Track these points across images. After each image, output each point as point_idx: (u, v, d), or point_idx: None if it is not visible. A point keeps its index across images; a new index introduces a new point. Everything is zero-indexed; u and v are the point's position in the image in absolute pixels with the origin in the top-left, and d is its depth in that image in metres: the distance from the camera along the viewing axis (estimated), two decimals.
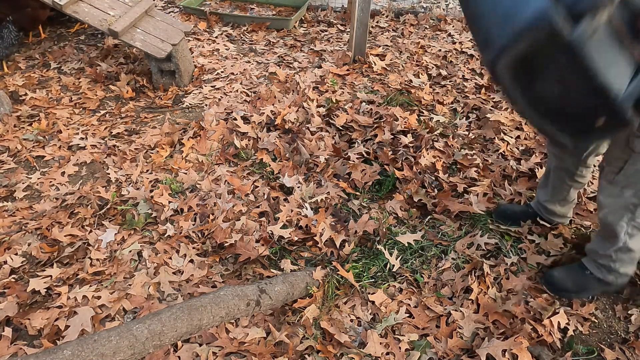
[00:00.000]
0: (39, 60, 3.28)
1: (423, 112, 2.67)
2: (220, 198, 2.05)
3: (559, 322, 1.55)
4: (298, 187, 2.10)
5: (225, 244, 1.83)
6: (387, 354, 1.49)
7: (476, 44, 1.05)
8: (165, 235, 1.91)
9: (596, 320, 1.60)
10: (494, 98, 2.83)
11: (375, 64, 3.12)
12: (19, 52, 3.36)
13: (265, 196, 2.08)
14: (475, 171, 2.19)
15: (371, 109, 2.63)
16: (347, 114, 2.57)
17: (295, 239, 1.88)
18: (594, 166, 1.77)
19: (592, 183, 2.16)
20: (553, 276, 1.65)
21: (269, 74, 3.16)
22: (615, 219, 1.42)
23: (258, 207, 2.04)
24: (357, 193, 2.11)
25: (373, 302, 1.65)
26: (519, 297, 1.66)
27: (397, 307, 1.64)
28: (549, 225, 1.85)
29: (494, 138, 2.44)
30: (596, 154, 1.58)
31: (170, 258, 1.82)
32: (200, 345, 1.51)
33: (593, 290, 1.62)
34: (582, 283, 1.60)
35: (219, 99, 2.83)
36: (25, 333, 1.56)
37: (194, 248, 1.86)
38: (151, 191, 2.12)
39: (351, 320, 1.61)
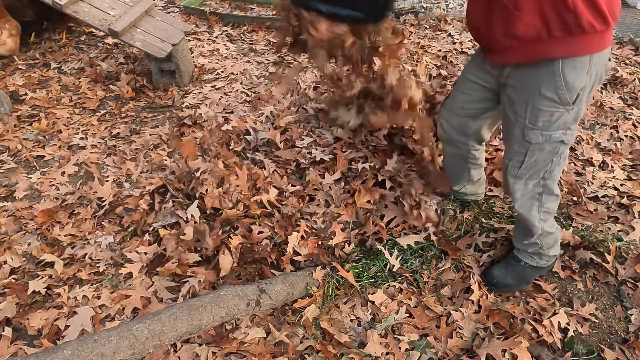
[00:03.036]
0: (39, 60, 3.29)
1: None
2: None
3: (559, 322, 1.55)
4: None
5: None
6: (387, 354, 1.49)
7: None
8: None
9: (596, 320, 1.60)
10: None
11: (375, 64, 3.11)
12: (21, 52, 3.36)
13: None
14: None
15: None
16: None
17: None
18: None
19: (592, 183, 2.16)
20: (494, 275, 1.69)
21: (269, 74, 3.17)
22: (526, 210, 1.52)
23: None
24: None
25: (373, 302, 1.65)
26: (518, 298, 1.66)
27: (397, 307, 1.64)
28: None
29: (494, 138, 2.44)
30: (479, 139, 1.71)
31: None
32: (200, 345, 1.51)
33: (531, 278, 1.70)
34: (521, 275, 1.68)
35: (219, 99, 2.83)
36: (25, 333, 1.56)
37: None
38: None
39: (351, 320, 1.61)
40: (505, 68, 1.37)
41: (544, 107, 1.30)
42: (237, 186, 1.94)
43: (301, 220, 1.91)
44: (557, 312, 1.58)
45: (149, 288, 1.71)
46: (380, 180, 2.05)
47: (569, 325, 1.56)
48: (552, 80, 1.25)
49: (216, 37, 3.71)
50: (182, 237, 1.79)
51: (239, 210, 1.91)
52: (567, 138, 1.36)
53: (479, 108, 1.59)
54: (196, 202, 1.89)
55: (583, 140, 2.46)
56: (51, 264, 1.78)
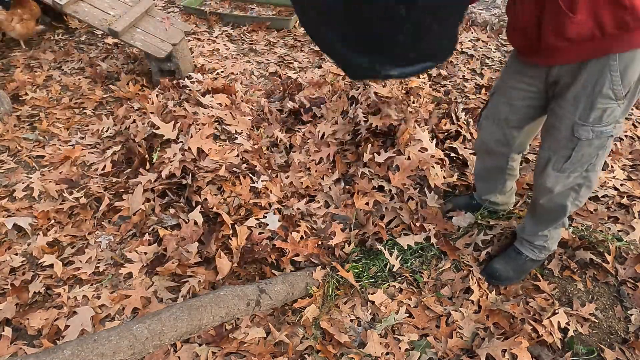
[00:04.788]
0: (39, 60, 3.28)
1: None
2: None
3: (559, 322, 1.55)
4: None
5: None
6: (387, 354, 1.49)
7: None
8: None
9: (596, 320, 1.60)
10: None
11: None
12: (21, 51, 3.36)
13: None
14: None
15: None
16: None
17: None
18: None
19: None
20: (496, 269, 1.72)
21: (269, 74, 3.17)
22: (562, 199, 1.50)
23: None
24: None
25: (373, 302, 1.65)
26: (518, 298, 1.66)
27: (397, 307, 1.64)
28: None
29: None
30: (521, 149, 1.69)
31: None
32: (200, 345, 1.51)
33: (529, 270, 1.74)
34: (522, 268, 1.71)
35: None
36: (25, 333, 1.56)
37: None
38: None
39: (351, 320, 1.61)
40: (553, 67, 1.32)
41: (598, 104, 1.25)
42: (240, 195, 1.94)
43: (301, 220, 1.91)
44: (556, 312, 1.58)
45: (149, 288, 1.71)
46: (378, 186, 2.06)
47: (569, 325, 1.56)
48: (607, 76, 1.20)
49: (216, 37, 3.71)
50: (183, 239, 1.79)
51: (240, 215, 1.91)
52: (616, 131, 1.32)
53: (525, 118, 1.53)
54: (199, 207, 1.89)
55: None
56: (51, 264, 1.78)
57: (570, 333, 1.54)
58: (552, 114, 1.39)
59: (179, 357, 1.47)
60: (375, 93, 2.38)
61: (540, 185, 1.50)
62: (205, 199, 1.92)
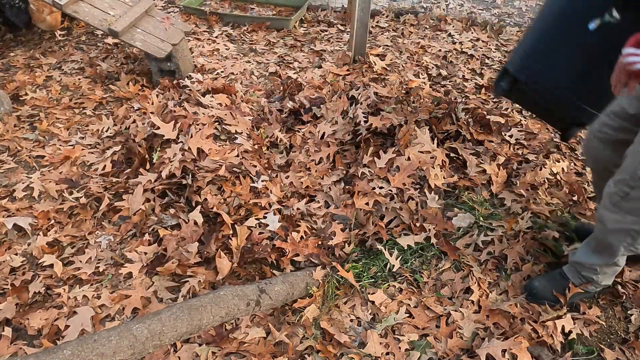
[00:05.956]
0: (39, 60, 3.28)
1: None
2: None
3: (563, 326, 1.52)
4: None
5: None
6: (387, 354, 1.49)
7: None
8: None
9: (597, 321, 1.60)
10: (494, 98, 2.83)
11: (375, 64, 3.12)
12: (21, 51, 3.36)
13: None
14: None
15: None
16: None
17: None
18: None
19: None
20: (534, 286, 1.63)
21: (269, 74, 3.17)
22: (615, 241, 1.40)
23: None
24: None
25: (373, 302, 1.65)
26: (518, 297, 1.66)
27: (397, 307, 1.64)
28: None
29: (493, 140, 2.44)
30: (604, 173, 1.55)
31: None
32: (200, 345, 1.51)
33: (571, 299, 1.60)
34: (562, 293, 1.59)
35: None
36: (25, 333, 1.56)
37: None
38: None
39: (351, 320, 1.61)
40: None
41: None
42: (240, 195, 1.94)
43: (301, 220, 1.91)
44: (561, 316, 1.56)
45: (149, 288, 1.71)
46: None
47: (574, 328, 1.53)
48: None
49: (216, 37, 3.71)
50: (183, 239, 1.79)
51: (240, 215, 1.91)
52: None
53: (614, 136, 1.44)
54: (199, 207, 1.89)
55: (583, 139, 2.46)
56: (51, 264, 1.78)
57: (573, 335, 1.53)
58: (633, 144, 1.31)
59: (179, 357, 1.47)
60: (376, 93, 2.38)
61: (597, 212, 1.44)
62: (205, 199, 1.92)
